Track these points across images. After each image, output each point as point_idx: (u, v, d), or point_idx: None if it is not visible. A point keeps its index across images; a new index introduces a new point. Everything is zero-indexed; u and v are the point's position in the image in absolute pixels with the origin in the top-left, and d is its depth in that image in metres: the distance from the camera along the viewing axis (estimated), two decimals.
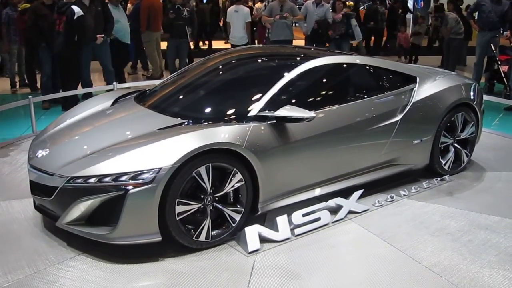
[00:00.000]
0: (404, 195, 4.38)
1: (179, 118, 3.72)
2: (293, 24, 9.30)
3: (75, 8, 7.03)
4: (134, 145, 3.37)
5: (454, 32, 10.39)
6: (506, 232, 3.75)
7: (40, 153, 3.63)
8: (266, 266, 3.26)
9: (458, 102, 4.72)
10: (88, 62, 7.78)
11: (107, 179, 3.18)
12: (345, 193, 4.10)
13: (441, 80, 4.82)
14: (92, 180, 3.21)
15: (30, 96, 6.22)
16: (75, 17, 7.00)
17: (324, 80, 4.23)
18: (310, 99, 4.00)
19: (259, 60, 4.64)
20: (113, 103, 4.40)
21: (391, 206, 4.19)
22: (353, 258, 3.39)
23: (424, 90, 4.62)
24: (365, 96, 4.25)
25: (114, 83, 6.85)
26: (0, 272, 3.16)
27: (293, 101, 3.81)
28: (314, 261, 3.34)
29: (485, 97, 5.47)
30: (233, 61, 4.60)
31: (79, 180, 3.24)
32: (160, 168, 3.15)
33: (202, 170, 3.29)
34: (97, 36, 7.36)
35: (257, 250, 3.43)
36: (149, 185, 3.13)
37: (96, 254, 3.36)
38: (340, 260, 3.37)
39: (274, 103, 3.72)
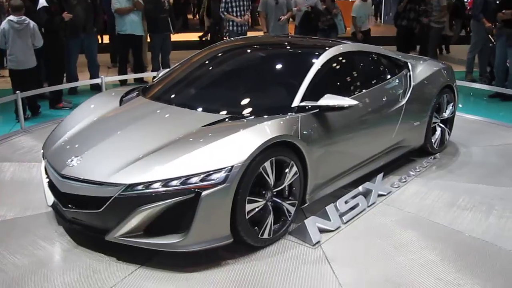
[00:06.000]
0: (413, 174, 4.61)
1: (217, 113, 3.56)
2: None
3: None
4: (192, 144, 3.16)
5: (435, 19, 9.60)
6: None
7: (73, 161, 3.25)
8: (338, 255, 3.25)
9: (444, 84, 5.06)
10: (76, 55, 7.46)
11: (174, 182, 2.95)
12: (364, 178, 4.20)
13: (426, 65, 5.11)
14: (156, 185, 2.95)
15: (17, 92, 5.81)
16: (37, 8, 6.46)
17: (345, 68, 4.29)
18: (339, 87, 4.04)
19: (277, 50, 4.56)
20: (120, 102, 4.07)
21: (408, 187, 4.37)
22: (412, 239, 3.48)
23: (418, 74, 4.87)
24: (379, 81, 4.40)
25: (101, 77, 6.48)
26: None
27: (325, 89, 3.80)
28: (378, 246, 3.39)
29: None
30: (249, 51, 4.49)
31: (140, 187, 2.96)
32: (232, 166, 2.99)
33: (267, 165, 3.19)
34: (63, 15, 6.85)
35: (319, 242, 3.41)
36: (223, 185, 2.96)
37: (155, 266, 3.10)
38: (400, 242, 3.44)
39: (310, 93, 3.70)
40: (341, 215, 3.70)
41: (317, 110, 3.62)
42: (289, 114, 3.52)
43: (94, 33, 7.69)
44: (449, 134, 5.36)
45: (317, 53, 4.04)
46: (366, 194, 4.04)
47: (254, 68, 4.26)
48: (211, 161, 3.02)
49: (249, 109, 3.63)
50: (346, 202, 3.81)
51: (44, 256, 3.24)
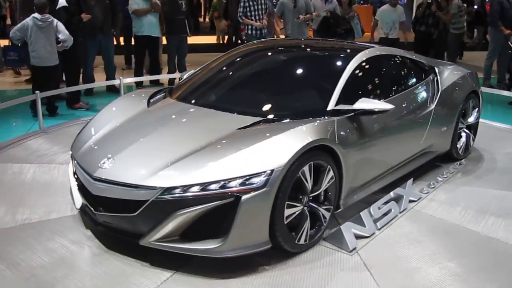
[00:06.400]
0: (440, 180, 4.53)
1: (251, 116, 3.48)
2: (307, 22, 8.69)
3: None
4: (229, 147, 3.08)
5: (454, 25, 9.72)
6: None
7: (105, 163, 3.17)
8: (376, 262, 3.18)
9: (471, 89, 4.99)
10: (93, 56, 7.43)
11: (212, 186, 2.88)
12: (392, 184, 4.12)
13: (452, 70, 5.05)
14: (194, 189, 2.88)
15: (37, 92, 5.79)
16: (57, 7, 6.44)
17: (376, 71, 4.22)
18: (371, 90, 3.98)
19: (307, 53, 4.50)
20: (148, 103, 3.99)
21: (437, 192, 4.30)
22: (448, 246, 3.41)
23: (445, 79, 4.81)
24: (409, 86, 4.34)
25: (119, 78, 6.50)
26: None
27: (358, 93, 3.74)
28: (416, 253, 3.32)
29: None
30: (279, 54, 4.42)
31: (177, 191, 2.89)
32: (272, 170, 2.92)
33: (306, 169, 3.12)
34: (82, 15, 6.88)
35: (355, 248, 3.33)
36: (263, 189, 2.89)
37: (191, 272, 3.01)
38: (437, 249, 3.37)
39: (343, 97, 3.63)
40: (375, 221, 3.63)
41: (352, 114, 3.55)
42: (324, 117, 3.44)
43: (112, 34, 7.64)
44: (473, 140, 5.30)
45: (349, 56, 3.97)
46: (397, 199, 3.97)
47: (285, 71, 4.17)
48: (250, 165, 2.95)
49: (283, 112, 3.56)
50: (379, 208, 3.74)
51: (74, 260, 3.17)
